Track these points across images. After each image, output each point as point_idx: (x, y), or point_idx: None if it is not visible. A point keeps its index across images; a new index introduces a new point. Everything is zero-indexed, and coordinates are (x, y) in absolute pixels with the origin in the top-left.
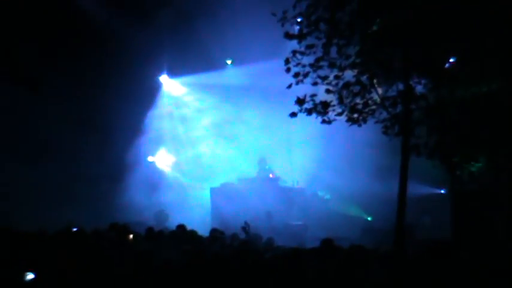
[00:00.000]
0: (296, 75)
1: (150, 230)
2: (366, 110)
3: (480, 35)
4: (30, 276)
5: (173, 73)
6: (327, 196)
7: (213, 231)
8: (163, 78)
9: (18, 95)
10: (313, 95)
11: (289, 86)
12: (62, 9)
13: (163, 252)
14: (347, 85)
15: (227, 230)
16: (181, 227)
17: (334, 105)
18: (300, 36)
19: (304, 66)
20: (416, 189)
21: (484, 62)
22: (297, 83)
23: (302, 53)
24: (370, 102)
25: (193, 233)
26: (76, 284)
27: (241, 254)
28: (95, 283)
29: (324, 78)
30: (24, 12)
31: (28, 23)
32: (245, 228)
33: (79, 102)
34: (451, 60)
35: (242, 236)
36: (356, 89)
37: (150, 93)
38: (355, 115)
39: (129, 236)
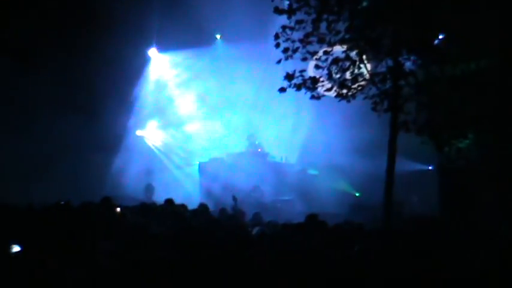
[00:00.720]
0: (285, 50)
1: (142, 204)
2: (355, 85)
3: (469, 12)
4: (16, 248)
5: (162, 47)
6: (315, 172)
7: (201, 205)
8: (152, 52)
9: (7, 66)
10: (303, 71)
11: (279, 61)
12: None
13: (151, 226)
14: (336, 61)
15: (215, 205)
16: (169, 201)
17: (323, 81)
18: (290, 12)
19: (293, 41)
20: (405, 165)
21: (472, 39)
22: (287, 59)
23: (292, 29)
24: (359, 78)
25: (182, 207)
26: (62, 257)
27: (227, 228)
28: (82, 257)
29: (314, 53)
30: None
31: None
32: (234, 201)
33: (67, 74)
34: (440, 37)
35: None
36: (345, 64)
37: (138, 67)
38: (344, 91)
39: (116, 210)
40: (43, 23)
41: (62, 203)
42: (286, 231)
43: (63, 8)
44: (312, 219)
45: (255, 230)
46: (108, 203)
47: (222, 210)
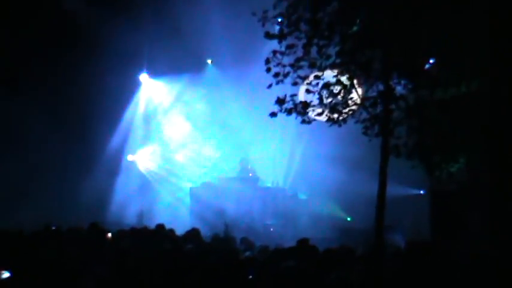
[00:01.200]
0: (276, 75)
1: (132, 229)
2: (346, 110)
3: (459, 37)
4: (5, 274)
5: (153, 72)
6: (304, 196)
7: (192, 230)
8: (143, 77)
9: None
10: (294, 95)
11: (270, 86)
12: (39, 5)
13: (142, 251)
14: (327, 85)
15: (206, 230)
16: (160, 226)
17: (314, 105)
18: (281, 36)
19: (284, 66)
20: (396, 189)
21: (463, 63)
22: (277, 83)
23: (282, 53)
24: (350, 102)
25: (171, 232)
26: (53, 283)
27: (218, 252)
28: (73, 282)
29: (304, 78)
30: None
31: (4, 21)
32: (226, 227)
33: (57, 98)
34: (431, 61)
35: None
36: (336, 89)
37: (129, 92)
38: (335, 115)
39: (107, 235)
40: (32, 48)
41: (53, 228)
42: (277, 256)
43: (53, 32)
44: (303, 243)
45: (246, 254)
46: (96, 228)
47: (215, 236)
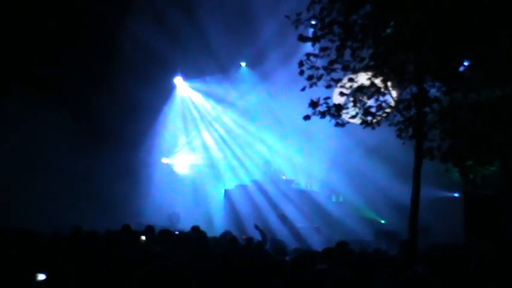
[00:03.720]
0: (310, 78)
1: (164, 231)
2: (380, 112)
3: (494, 38)
4: (41, 276)
5: (187, 75)
6: (340, 199)
7: (226, 233)
8: (177, 80)
9: (32, 97)
10: (327, 98)
11: (303, 89)
12: (71, 12)
13: (176, 254)
14: (361, 88)
15: (240, 232)
16: (195, 229)
17: (347, 108)
18: (314, 39)
19: (317, 69)
20: (430, 192)
21: (497, 65)
22: (311, 86)
23: (316, 56)
24: (384, 105)
25: (205, 234)
26: (86, 286)
27: (251, 255)
28: (105, 285)
29: (338, 81)
30: (34, 15)
31: (36, 26)
32: (257, 229)
33: (91, 104)
34: (465, 63)
35: (258, 239)
36: (370, 91)
37: (164, 95)
38: (369, 118)
39: (141, 238)
40: (67, 54)
41: (87, 231)
42: (310, 259)
43: (85, 38)
44: (342, 246)
45: (279, 258)
46: (129, 230)
47: (248, 239)
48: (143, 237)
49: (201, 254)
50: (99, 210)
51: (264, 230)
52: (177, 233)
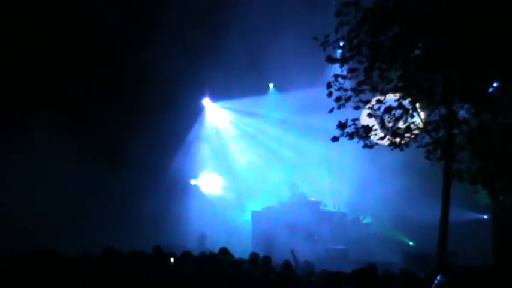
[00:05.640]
0: (338, 99)
1: (187, 253)
2: (408, 134)
3: None
4: None
5: (216, 96)
6: (368, 220)
7: (253, 255)
8: (206, 102)
9: (58, 121)
10: (355, 119)
11: (331, 110)
12: (101, 34)
13: (204, 275)
14: (389, 109)
15: (268, 254)
16: (223, 251)
17: (376, 130)
18: (342, 60)
19: (346, 90)
20: (459, 214)
21: None
22: (339, 107)
23: (344, 77)
24: (412, 126)
25: (231, 257)
26: None
27: (280, 277)
28: None
29: (366, 102)
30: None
31: (68, 48)
32: (293, 255)
33: (120, 125)
34: (494, 85)
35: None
36: (398, 113)
37: (192, 116)
38: (397, 139)
39: (170, 260)
40: (96, 76)
41: (115, 252)
42: (338, 280)
43: (113, 60)
44: (370, 268)
45: (308, 279)
46: (160, 252)
47: (276, 260)
48: (172, 259)
49: (231, 275)
50: (127, 231)
51: (297, 255)
52: (207, 254)
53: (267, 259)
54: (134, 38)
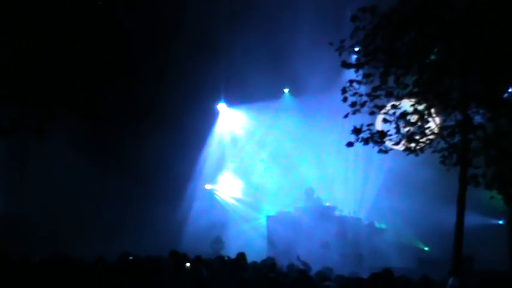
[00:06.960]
0: (353, 104)
1: (196, 257)
2: (424, 139)
3: None
4: None
5: (231, 101)
6: (383, 225)
7: (269, 259)
8: (221, 106)
9: (76, 127)
10: (370, 125)
11: (346, 116)
12: (115, 39)
13: (222, 280)
14: (404, 115)
15: (283, 259)
16: (240, 256)
17: (391, 135)
18: (358, 66)
19: (361, 95)
20: (474, 219)
21: None
22: (354, 113)
23: (359, 82)
24: (427, 131)
25: (246, 261)
26: None
27: (294, 282)
28: None
29: (381, 107)
30: (81, 48)
31: (79, 52)
32: (302, 261)
33: (134, 129)
34: (510, 90)
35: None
36: (413, 118)
37: (207, 121)
38: (413, 145)
39: (186, 264)
40: (114, 82)
41: (131, 258)
42: (354, 286)
43: (130, 65)
44: (387, 273)
45: (323, 284)
46: (176, 256)
47: (291, 265)
48: (188, 264)
49: (248, 280)
50: (142, 236)
51: (305, 261)
52: (226, 258)
53: (272, 262)
54: (152, 47)
